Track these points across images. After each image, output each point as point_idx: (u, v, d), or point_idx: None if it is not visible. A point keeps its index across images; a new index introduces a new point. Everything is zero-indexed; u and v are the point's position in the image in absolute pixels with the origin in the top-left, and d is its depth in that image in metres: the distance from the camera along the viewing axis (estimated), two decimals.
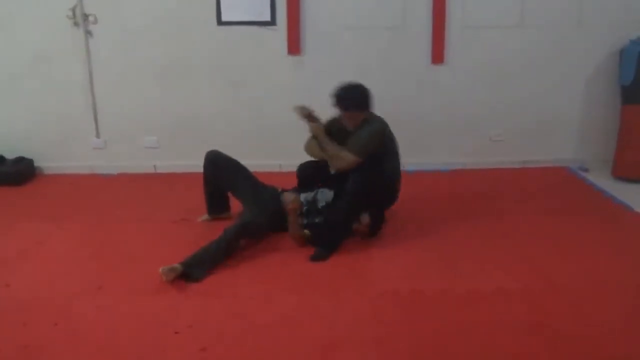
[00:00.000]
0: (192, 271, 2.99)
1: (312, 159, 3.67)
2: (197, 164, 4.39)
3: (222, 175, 3.62)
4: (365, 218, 3.40)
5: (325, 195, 3.55)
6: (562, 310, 2.73)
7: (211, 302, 2.79)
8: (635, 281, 2.99)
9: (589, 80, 4.75)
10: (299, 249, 3.34)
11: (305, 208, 3.47)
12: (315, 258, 3.24)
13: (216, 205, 3.74)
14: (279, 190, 3.64)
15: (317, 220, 3.46)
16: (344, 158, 3.34)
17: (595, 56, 4.69)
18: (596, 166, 4.79)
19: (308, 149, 3.63)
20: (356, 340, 2.50)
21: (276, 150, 4.63)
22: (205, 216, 3.75)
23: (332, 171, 3.50)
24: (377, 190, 3.39)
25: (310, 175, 3.71)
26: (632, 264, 3.19)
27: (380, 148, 3.42)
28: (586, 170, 4.79)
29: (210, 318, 2.65)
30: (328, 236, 3.34)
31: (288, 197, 3.44)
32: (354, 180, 3.32)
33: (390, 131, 3.56)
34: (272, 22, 4.49)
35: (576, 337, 2.52)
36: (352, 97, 3.43)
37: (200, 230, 3.46)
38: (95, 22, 4.46)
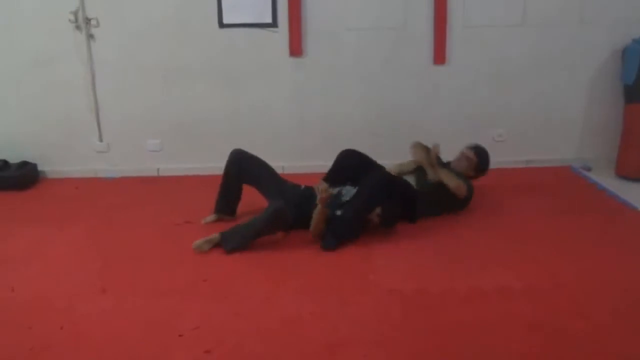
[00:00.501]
0: (225, 242, 3.31)
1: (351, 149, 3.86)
2: (200, 167, 4.43)
3: (249, 169, 3.71)
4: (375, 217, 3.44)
5: (349, 192, 3.60)
6: (565, 308, 2.73)
7: (215, 304, 2.79)
8: (638, 280, 2.99)
9: (592, 79, 4.75)
10: (303, 250, 3.35)
11: (328, 200, 3.49)
12: (323, 246, 3.35)
13: (227, 204, 3.76)
14: (302, 187, 3.73)
15: (337, 212, 3.47)
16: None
17: (598, 55, 4.68)
18: (599, 165, 4.79)
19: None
20: (361, 340, 2.50)
21: (279, 152, 4.63)
22: (211, 217, 3.76)
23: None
24: (394, 189, 3.50)
25: (348, 166, 3.80)
26: (635, 263, 3.18)
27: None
28: (589, 169, 4.78)
29: (215, 320, 2.65)
30: (340, 227, 3.39)
31: (321, 185, 3.49)
32: (372, 176, 3.50)
33: None
34: (274, 24, 4.49)
35: (579, 336, 2.52)
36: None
37: (205, 233, 3.46)
38: (97, 25, 4.48)
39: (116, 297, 2.86)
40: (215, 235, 3.35)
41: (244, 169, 3.72)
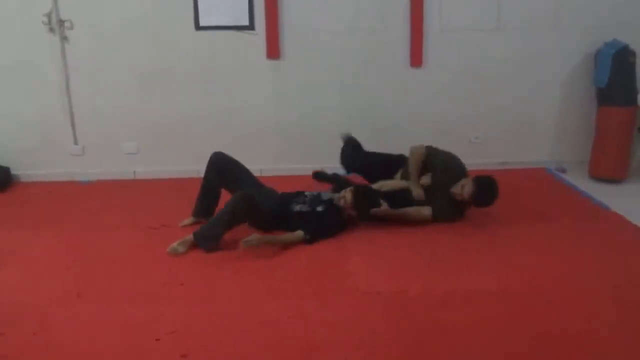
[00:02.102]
0: (199, 241, 3.32)
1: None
2: (177, 170, 4.39)
3: (228, 172, 3.71)
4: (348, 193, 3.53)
5: (327, 195, 3.70)
6: (542, 310, 2.75)
7: (192, 307, 2.76)
8: (613, 281, 3.02)
9: (566, 83, 4.83)
10: (280, 253, 3.33)
11: (308, 199, 3.66)
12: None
13: (205, 207, 3.72)
14: (278, 192, 3.78)
15: (319, 209, 3.57)
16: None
17: (571, 59, 4.77)
18: (574, 167, 4.86)
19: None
20: (339, 343, 2.49)
21: (257, 155, 4.61)
22: (189, 220, 3.73)
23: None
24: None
25: (352, 164, 4.02)
26: (610, 265, 3.22)
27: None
28: (564, 170, 4.85)
29: (191, 324, 2.62)
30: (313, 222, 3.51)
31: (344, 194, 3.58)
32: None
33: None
34: (251, 26, 4.48)
35: (556, 337, 2.53)
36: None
37: (182, 236, 3.43)
38: (72, 27, 4.42)
39: (91, 301, 2.82)
40: (188, 237, 3.36)
41: (223, 171, 3.71)
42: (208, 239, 3.33)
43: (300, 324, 2.64)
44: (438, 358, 2.41)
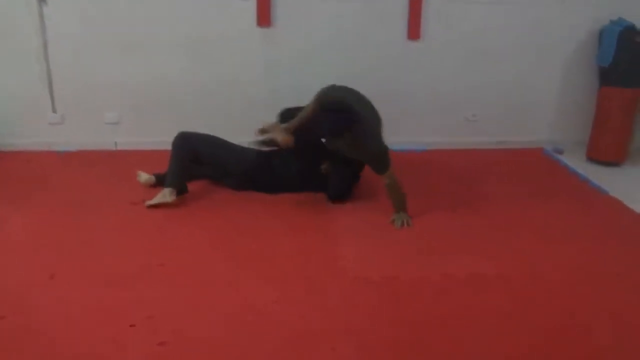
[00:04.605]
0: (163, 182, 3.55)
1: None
2: (160, 141, 4.19)
3: (197, 145, 3.65)
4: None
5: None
6: (540, 297, 2.66)
7: (172, 291, 2.61)
8: (613, 269, 2.94)
9: (567, 61, 4.67)
10: (267, 233, 3.19)
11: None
12: None
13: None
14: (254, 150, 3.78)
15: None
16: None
17: (575, 36, 4.60)
18: (570, 148, 4.73)
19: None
20: (329, 330, 2.37)
21: (245, 126, 4.38)
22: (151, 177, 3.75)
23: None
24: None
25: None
26: (608, 251, 3.13)
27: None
28: (561, 151, 4.72)
29: (171, 309, 2.47)
30: None
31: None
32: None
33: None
34: None
35: (555, 325, 2.44)
36: (328, 129, 3.33)
37: (162, 215, 3.27)
38: None
39: (64, 284, 2.65)
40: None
41: (192, 147, 3.65)
42: (169, 180, 3.50)
43: (288, 309, 2.50)
44: (432, 345, 2.31)
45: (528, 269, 2.89)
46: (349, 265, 2.89)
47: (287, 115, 3.73)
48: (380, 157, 3.37)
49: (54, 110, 4.44)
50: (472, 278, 2.78)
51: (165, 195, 3.46)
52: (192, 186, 3.68)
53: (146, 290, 2.59)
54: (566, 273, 2.87)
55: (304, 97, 4.41)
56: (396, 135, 4.61)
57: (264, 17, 4.29)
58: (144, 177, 3.77)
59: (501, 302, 2.60)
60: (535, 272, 2.87)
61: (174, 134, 3.69)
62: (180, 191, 3.56)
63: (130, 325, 2.33)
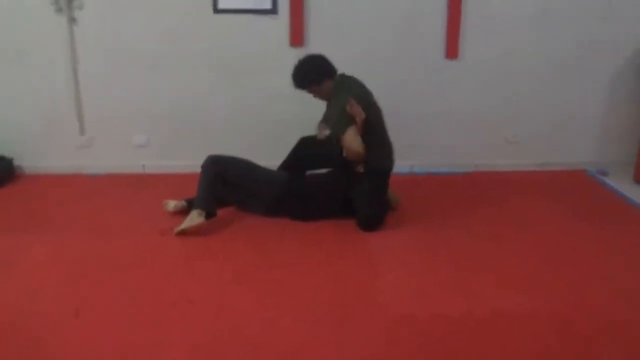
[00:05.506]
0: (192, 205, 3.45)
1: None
2: (189, 165, 4.09)
3: (227, 168, 3.56)
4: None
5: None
6: (596, 335, 2.44)
7: (204, 332, 2.44)
8: None
9: (613, 78, 4.46)
10: (301, 266, 3.02)
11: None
12: None
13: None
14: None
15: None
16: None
17: (621, 51, 4.40)
18: (617, 169, 4.51)
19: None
20: None
21: (277, 149, 4.27)
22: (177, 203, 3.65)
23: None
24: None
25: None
26: None
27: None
28: (606, 173, 4.49)
29: (202, 353, 2.31)
30: None
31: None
32: None
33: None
34: (274, 10, 4.14)
35: None
36: (295, 75, 3.55)
37: (190, 244, 3.14)
38: (81, 7, 4.11)
39: (90, 321, 2.50)
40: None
41: (222, 171, 3.55)
42: (198, 202, 3.41)
43: (326, 350, 2.32)
44: None
45: (583, 305, 2.67)
46: (390, 300, 2.70)
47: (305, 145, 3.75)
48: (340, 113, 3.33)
49: (83, 133, 4.38)
50: (520, 313, 2.58)
51: (193, 217, 3.35)
52: (221, 212, 3.55)
53: (174, 331, 2.44)
54: (622, 307, 2.64)
55: None
56: (433, 158, 4.48)
57: (297, 36, 4.18)
58: (172, 204, 3.65)
59: (554, 341, 2.39)
60: (589, 307, 2.65)
61: (203, 157, 3.58)
62: (209, 214, 3.43)
63: None
